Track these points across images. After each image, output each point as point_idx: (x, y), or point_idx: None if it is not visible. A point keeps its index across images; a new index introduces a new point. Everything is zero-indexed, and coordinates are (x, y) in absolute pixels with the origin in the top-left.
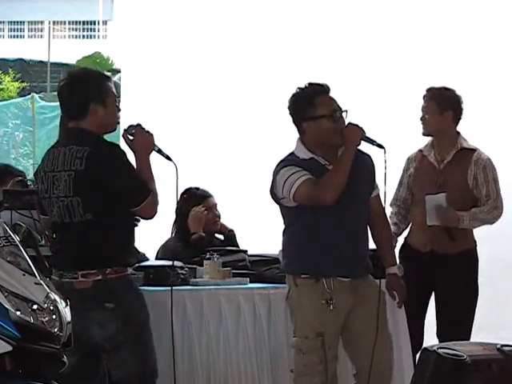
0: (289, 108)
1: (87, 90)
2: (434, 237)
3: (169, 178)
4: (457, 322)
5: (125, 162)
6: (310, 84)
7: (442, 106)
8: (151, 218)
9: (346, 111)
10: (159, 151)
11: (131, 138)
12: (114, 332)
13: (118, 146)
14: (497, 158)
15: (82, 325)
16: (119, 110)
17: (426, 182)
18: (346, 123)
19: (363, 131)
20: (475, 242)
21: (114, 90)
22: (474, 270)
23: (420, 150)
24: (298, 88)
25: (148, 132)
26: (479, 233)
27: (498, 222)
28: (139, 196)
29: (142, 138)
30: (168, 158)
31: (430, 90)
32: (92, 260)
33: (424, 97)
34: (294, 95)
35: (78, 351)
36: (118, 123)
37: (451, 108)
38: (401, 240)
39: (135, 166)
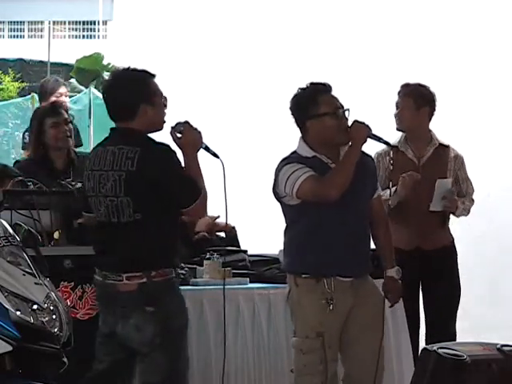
0: (291, 108)
1: (135, 90)
2: (420, 231)
3: None
4: (446, 316)
5: (176, 163)
6: (311, 83)
7: (419, 102)
8: (201, 217)
9: (349, 109)
10: (206, 148)
11: (179, 135)
12: (152, 336)
13: (168, 146)
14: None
15: (122, 327)
16: (166, 107)
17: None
18: (352, 120)
19: (370, 129)
20: (453, 237)
21: (158, 87)
22: (456, 264)
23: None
24: (300, 88)
25: (196, 129)
26: (479, 232)
27: (499, 222)
28: (191, 197)
29: (190, 136)
30: (215, 155)
31: (406, 86)
32: (138, 262)
33: (399, 92)
34: (295, 95)
35: (115, 353)
36: (165, 122)
37: (428, 104)
38: None
39: (184, 164)
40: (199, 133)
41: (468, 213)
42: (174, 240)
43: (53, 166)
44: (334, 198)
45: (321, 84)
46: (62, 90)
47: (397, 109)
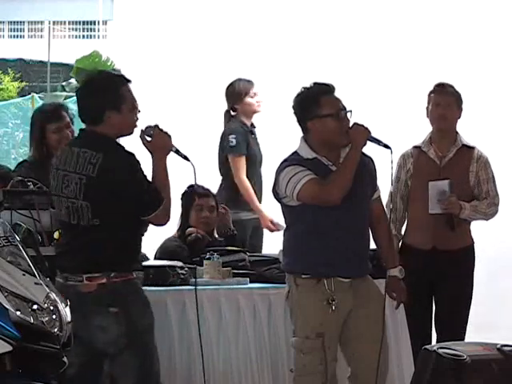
0: (293, 107)
1: (103, 97)
2: (436, 232)
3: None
4: (456, 318)
5: (137, 172)
6: (315, 83)
7: (459, 102)
8: (163, 224)
9: (351, 111)
10: (177, 151)
11: (149, 139)
12: (117, 336)
13: (132, 154)
14: (495, 155)
15: (85, 329)
16: (138, 112)
17: (427, 177)
18: (352, 123)
19: (369, 131)
20: (473, 239)
21: (131, 93)
22: (472, 267)
23: (415, 147)
24: (304, 88)
25: (166, 133)
26: (479, 232)
27: (498, 221)
28: (151, 206)
29: (160, 139)
30: (186, 158)
31: (449, 86)
32: (97, 263)
33: (436, 91)
34: (299, 94)
35: (81, 355)
36: (136, 126)
37: (462, 104)
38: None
39: (151, 167)
40: (169, 136)
41: (486, 217)
42: (134, 245)
43: None
44: (336, 202)
45: (324, 84)
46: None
47: (437, 107)
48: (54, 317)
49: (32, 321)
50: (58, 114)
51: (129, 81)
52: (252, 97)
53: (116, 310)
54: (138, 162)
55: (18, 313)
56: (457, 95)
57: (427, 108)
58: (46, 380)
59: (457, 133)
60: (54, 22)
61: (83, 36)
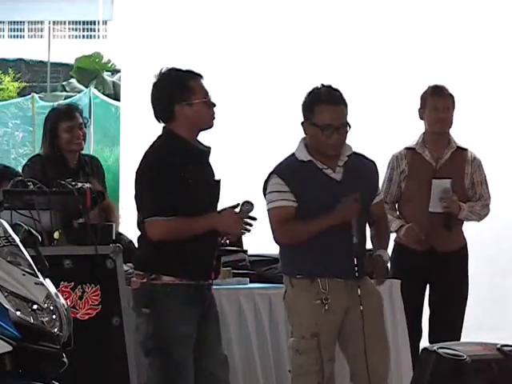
0: (302, 104)
1: (171, 91)
2: (433, 232)
3: None
4: (452, 319)
5: (156, 179)
6: (323, 86)
7: (454, 104)
8: (154, 238)
9: (349, 125)
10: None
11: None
12: (144, 338)
13: (173, 159)
14: (489, 156)
15: (132, 324)
16: (214, 105)
17: (423, 178)
18: (346, 198)
19: (360, 214)
20: (466, 240)
21: (202, 86)
22: (467, 268)
23: (408, 148)
24: (315, 87)
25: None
26: (480, 232)
27: (499, 222)
28: (141, 210)
29: (229, 221)
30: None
31: (445, 89)
32: (142, 262)
33: (435, 93)
34: (307, 93)
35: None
36: (213, 119)
37: (455, 105)
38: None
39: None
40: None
41: (480, 218)
42: (179, 250)
43: (66, 164)
44: (278, 242)
45: (330, 90)
46: None
47: (436, 111)
48: (53, 317)
49: (32, 321)
50: (71, 113)
51: (199, 75)
52: None
53: (148, 311)
54: (169, 167)
55: (18, 313)
56: (452, 98)
57: (420, 110)
58: (46, 380)
59: (449, 134)
60: (54, 22)
61: (83, 36)
